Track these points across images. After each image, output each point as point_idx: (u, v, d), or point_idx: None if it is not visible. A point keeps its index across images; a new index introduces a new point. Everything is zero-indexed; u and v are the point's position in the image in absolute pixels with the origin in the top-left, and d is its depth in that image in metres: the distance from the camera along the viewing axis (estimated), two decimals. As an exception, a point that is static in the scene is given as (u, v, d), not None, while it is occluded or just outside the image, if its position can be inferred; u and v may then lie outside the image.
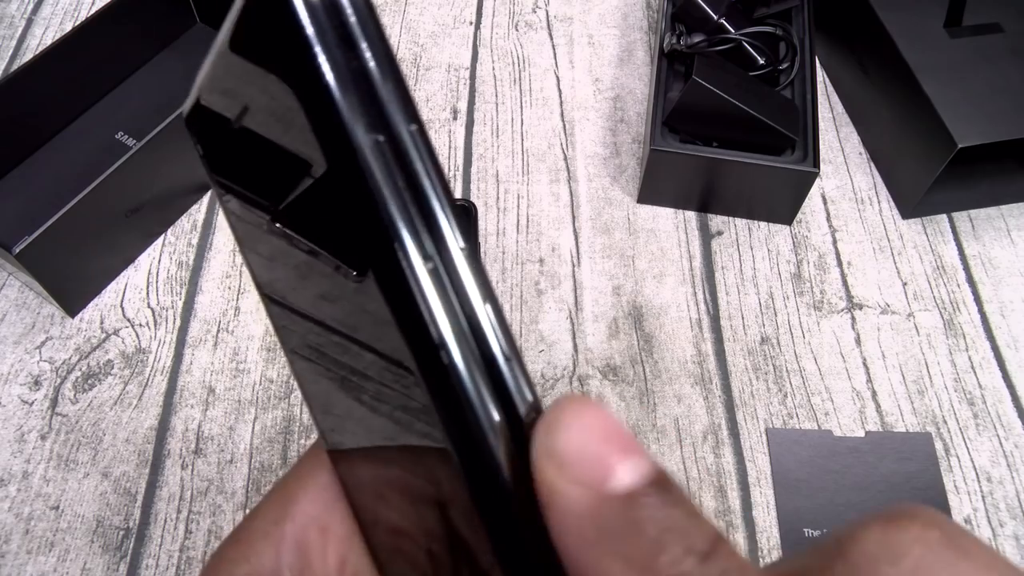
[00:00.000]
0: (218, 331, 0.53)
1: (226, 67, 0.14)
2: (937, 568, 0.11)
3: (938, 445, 0.48)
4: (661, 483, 0.12)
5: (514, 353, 0.13)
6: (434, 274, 0.13)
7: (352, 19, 0.13)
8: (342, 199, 0.13)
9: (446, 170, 0.61)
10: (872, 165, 0.61)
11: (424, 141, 0.13)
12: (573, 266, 0.56)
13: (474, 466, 0.13)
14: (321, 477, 0.17)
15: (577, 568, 0.12)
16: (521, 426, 0.13)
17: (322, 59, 0.13)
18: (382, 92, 0.13)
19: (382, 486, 0.16)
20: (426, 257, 0.13)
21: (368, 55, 0.13)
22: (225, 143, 0.15)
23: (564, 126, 0.63)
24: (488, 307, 0.13)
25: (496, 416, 0.13)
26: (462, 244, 0.13)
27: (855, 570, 0.11)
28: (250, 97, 0.14)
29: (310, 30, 0.12)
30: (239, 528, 0.17)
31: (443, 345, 0.13)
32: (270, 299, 0.16)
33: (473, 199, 0.59)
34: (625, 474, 0.12)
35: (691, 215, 0.58)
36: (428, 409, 0.13)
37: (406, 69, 0.67)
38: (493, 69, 0.67)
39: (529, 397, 0.13)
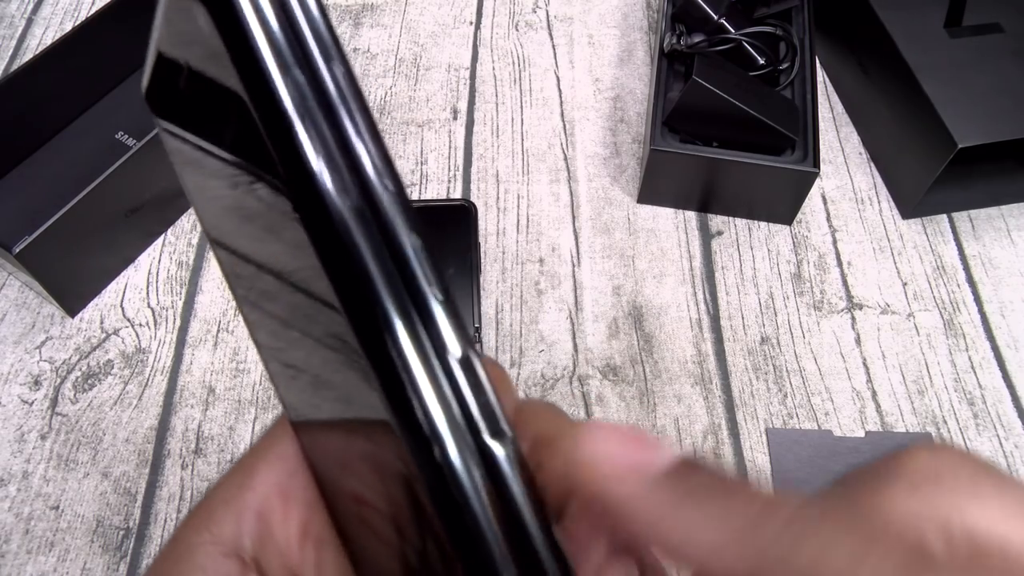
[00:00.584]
0: (218, 331, 0.53)
1: (174, 16, 0.14)
2: (987, 486, 0.13)
3: (938, 445, 0.48)
4: (692, 461, 0.14)
5: (444, 292, 0.13)
6: (358, 214, 0.12)
7: None
8: (266, 128, 0.13)
9: (446, 170, 0.61)
10: (872, 165, 0.61)
11: (349, 79, 0.12)
12: (573, 266, 0.56)
13: (411, 434, 0.13)
14: (282, 447, 0.17)
15: (671, 547, 0.13)
16: (480, 436, 0.13)
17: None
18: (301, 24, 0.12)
19: (342, 455, 0.16)
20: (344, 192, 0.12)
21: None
22: (176, 97, 0.15)
23: (564, 126, 0.63)
24: (414, 237, 0.13)
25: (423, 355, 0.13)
26: (390, 187, 0.12)
27: (913, 489, 0.13)
28: (191, 40, 0.13)
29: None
30: (203, 499, 0.17)
31: (375, 295, 0.12)
32: (218, 243, 0.16)
33: (473, 199, 0.59)
34: (664, 455, 0.14)
35: (691, 215, 0.58)
36: (373, 379, 0.13)
37: (406, 69, 0.67)
38: (493, 69, 0.67)
39: (458, 350, 0.13)
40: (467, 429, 0.13)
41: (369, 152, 0.12)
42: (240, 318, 0.53)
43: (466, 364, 0.13)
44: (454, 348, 0.13)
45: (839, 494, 0.14)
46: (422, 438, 0.12)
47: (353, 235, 0.12)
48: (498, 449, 0.13)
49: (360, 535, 0.16)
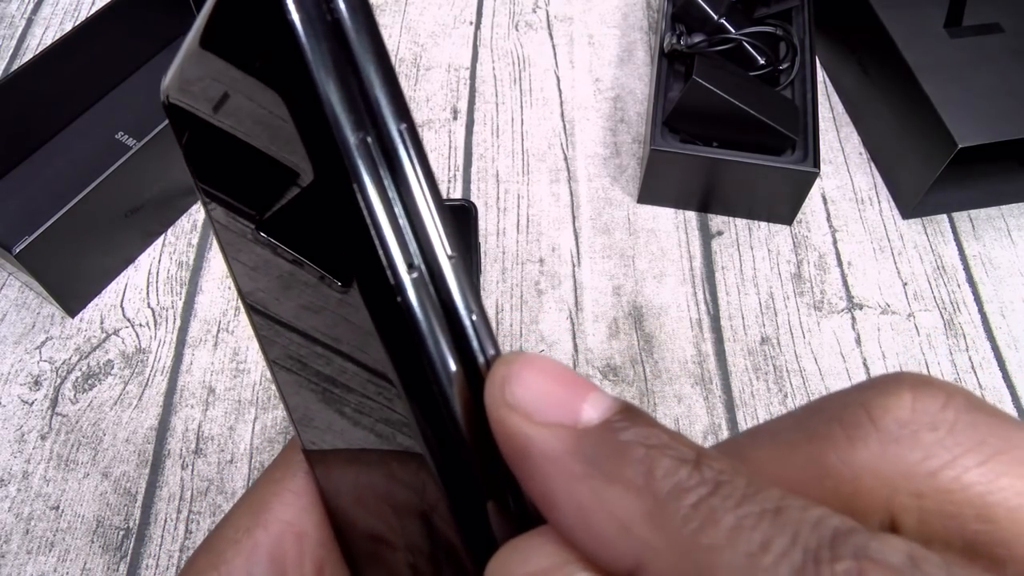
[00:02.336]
0: (218, 331, 0.53)
1: (199, 65, 0.14)
2: (976, 427, 0.11)
3: (938, 445, 0.48)
4: (630, 410, 0.12)
5: (495, 348, 0.13)
6: (418, 284, 0.12)
7: (343, 9, 0.12)
8: (325, 205, 0.13)
9: (446, 170, 0.61)
10: (872, 165, 0.61)
11: (414, 140, 0.12)
12: (573, 266, 0.56)
13: (452, 479, 0.13)
14: (296, 481, 0.16)
15: (573, 511, 0.11)
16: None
17: (308, 52, 0.12)
18: (372, 88, 0.12)
19: (361, 491, 0.15)
20: (411, 267, 0.12)
21: (356, 46, 0.12)
22: (206, 147, 0.15)
23: (564, 126, 0.63)
24: (474, 316, 0.13)
25: (471, 425, 0.13)
26: (450, 252, 0.13)
27: (892, 437, 0.11)
28: (225, 98, 0.13)
29: (296, 20, 0.12)
30: (211, 535, 0.16)
31: (428, 360, 0.12)
32: (253, 309, 0.16)
33: (473, 199, 0.59)
34: (594, 407, 0.12)
35: (691, 215, 0.58)
36: (410, 422, 0.13)
37: (406, 69, 0.67)
38: (493, 69, 0.67)
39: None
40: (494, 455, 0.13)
41: (439, 230, 0.12)
42: (240, 318, 0.53)
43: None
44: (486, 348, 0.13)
45: (789, 442, 0.12)
46: (461, 477, 0.13)
47: (414, 309, 0.12)
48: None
49: (373, 571, 0.16)
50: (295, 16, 0.11)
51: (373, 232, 0.12)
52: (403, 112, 0.12)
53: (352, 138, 0.12)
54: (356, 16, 0.12)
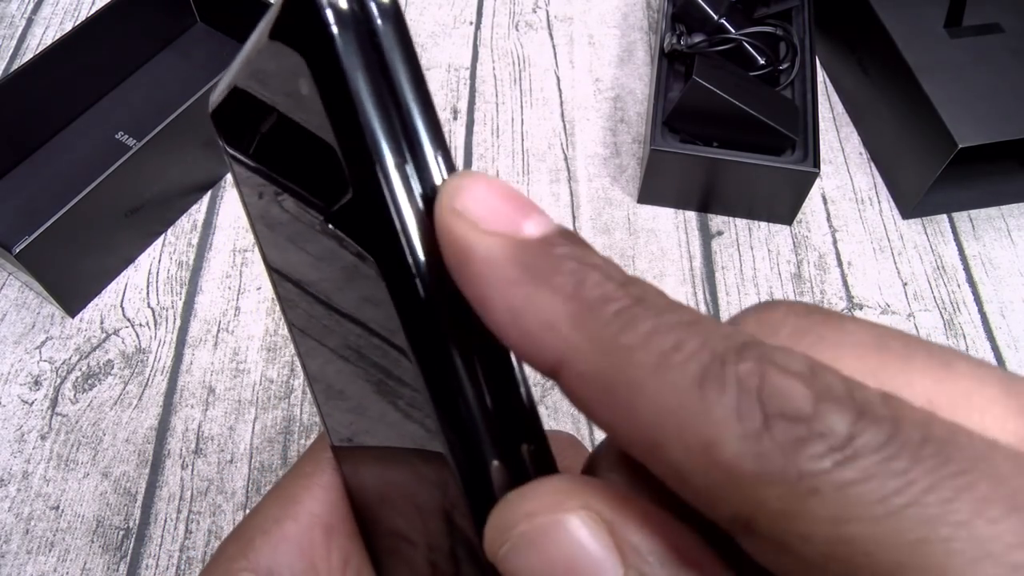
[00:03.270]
0: (218, 331, 0.53)
1: (267, 55, 0.14)
2: (814, 328, 0.12)
3: (938, 445, 0.48)
4: (570, 233, 0.13)
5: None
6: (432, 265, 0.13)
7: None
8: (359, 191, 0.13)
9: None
10: (872, 165, 0.61)
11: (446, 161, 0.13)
12: (573, 266, 0.56)
13: (469, 476, 0.13)
14: (324, 476, 0.17)
15: (506, 311, 0.12)
16: (524, 465, 0.13)
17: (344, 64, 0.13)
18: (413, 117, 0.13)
19: (385, 488, 0.16)
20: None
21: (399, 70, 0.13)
22: (253, 131, 0.15)
23: (564, 126, 0.63)
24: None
25: (495, 456, 0.13)
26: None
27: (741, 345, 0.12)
28: (281, 86, 0.14)
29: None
30: (241, 525, 0.17)
31: (440, 335, 0.13)
32: (275, 270, 0.16)
33: (473, 199, 0.59)
34: (536, 224, 0.13)
35: (691, 215, 0.58)
36: (427, 406, 0.13)
37: (406, 69, 0.67)
38: (493, 69, 0.67)
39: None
40: (513, 451, 0.13)
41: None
42: (240, 318, 0.53)
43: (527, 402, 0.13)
44: (518, 390, 0.13)
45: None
46: (477, 471, 0.13)
47: (428, 285, 0.13)
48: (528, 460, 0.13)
49: (394, 567, 0.16)
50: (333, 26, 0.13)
51: (391, 213, 0.13)
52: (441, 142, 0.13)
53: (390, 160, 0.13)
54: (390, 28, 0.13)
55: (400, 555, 0.16)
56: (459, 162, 0.61)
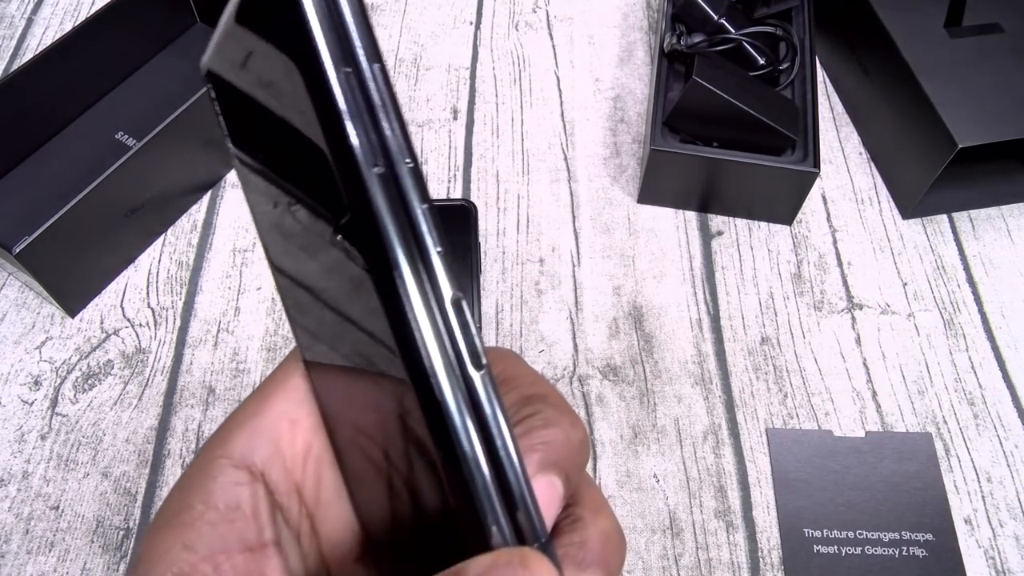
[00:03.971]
0: (218, 331, 0.53)
1: (234, 40, 0.16)
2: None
3: (938, 445, 0.48)
4: None
5: (444, 246, 0.15)
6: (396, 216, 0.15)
7: None
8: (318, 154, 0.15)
9: (446, 170, 0.61)
10: (872, 165, 0.61)
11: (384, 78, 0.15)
12: (573, 266, 0.56)
13: (424, 392, 0.16)
14: (294, 379, 0.20)
15: None
16: (465, 368, 0.15)
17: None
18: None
19: (346, 389, 0.19)
20: (374, 164, 0.15)
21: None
22: (242, 113, 0.17)
23: (564, 126, 0.63)
24: (424, 205, 0.15)
25: (445, 353, 0.15)
26: (407, 160, 0.15)
27: None
28: (257, 72, 0.16)
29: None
30: (222, 426, 0.20)
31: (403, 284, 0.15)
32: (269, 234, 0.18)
33: (473, 199, 0.59)
34: None
35: (691, 215, 0.58)
36: (387, 335, 0.16)
37: (406, 69, 0.67)
38: (493, 69, 0.67)
39: (479, 347, 0.16)
40: (454, 357, 0.15)
41: (394, 132, 0.15)
42: (240, 319, 0.53)
43: (457, 305, 0.15)
44: (447, 291, 0.15)
45: None
46: (420, 366, 0.15)
47: (378, 202, 0.15)
48: (478, 377, 0.16)
49: (355, 458, 0.19)
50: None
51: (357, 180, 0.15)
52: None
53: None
54: None
55: (360, 447, 0.19)
56: (459, 162, 0.61)
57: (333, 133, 0.15)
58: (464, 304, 0.16)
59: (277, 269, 0.19)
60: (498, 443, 0.16)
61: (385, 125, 0.15)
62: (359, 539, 0.20)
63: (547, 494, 0.18)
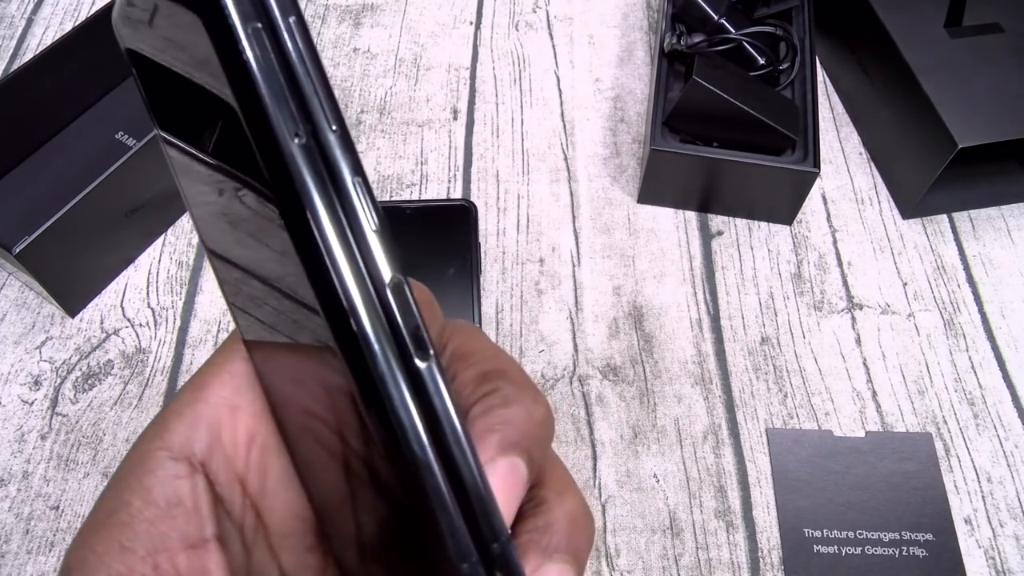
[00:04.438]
0: (218, 331, 0.53)
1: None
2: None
3: (938, 445, 0.48)
4: None
5: (380, 222, 0.14)
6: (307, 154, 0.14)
7: None
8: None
9: (446, 170, 0.61)
10: (872, 165, 0.61)
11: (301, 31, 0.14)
12: (573, 266, 0.56)
13: (352, 358, 0.14)
14: (234, 364, 0.19)
15: None
16: (409, 359, 0.14)
17: None
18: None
19: (290, 372, 0.18)
20: (297, 136, 0.14)
21: None
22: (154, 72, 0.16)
23: (564, 126, 0.63)
24: (356, 176, 0.14)
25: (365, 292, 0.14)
26: (334, 126, 0.14)
27: None
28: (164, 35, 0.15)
29: None
30: (160, 413, 0.19)
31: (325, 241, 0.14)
32: (201, 222, 0.18)
33: (473, 199, 0.59)
34: None
35: (691, 215, 0.58)
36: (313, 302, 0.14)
37: (406, 69, 0.67)
38: (493, 69, 0.67)
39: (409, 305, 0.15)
40: (397, 349, 0.14)
41: (317, 95, 0.14)
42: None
43: (397, 289, 0.14)
44: (386, 274, 0.14)
45: None
46: (359, 356, 0.14)
47: (303, 173, 0.14)
48: (423, 367, 0.15)
49: (304, 443, 0.18)
50: None
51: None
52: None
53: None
54: None
55: (309, 430, 0.18)
56: (459, 162, 0.61)
57: (245, 99, 0.13)
58: (406, 288, 0.14)
59: (211, 251, 0.18)
60: (449, 440, 0.15)
61: (307, 88, 0.13)
62: (311, 528, 0.19)
63: (509, 478, 0.17)
